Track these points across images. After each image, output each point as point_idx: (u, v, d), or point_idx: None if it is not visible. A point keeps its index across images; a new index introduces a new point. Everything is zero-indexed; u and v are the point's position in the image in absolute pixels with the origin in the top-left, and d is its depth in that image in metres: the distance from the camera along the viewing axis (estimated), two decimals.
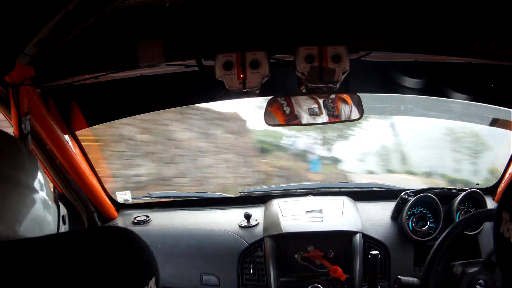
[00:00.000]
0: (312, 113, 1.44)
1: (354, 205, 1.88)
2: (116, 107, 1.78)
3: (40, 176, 0.55)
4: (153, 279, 0.45)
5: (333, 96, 1.45)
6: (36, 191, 0.52)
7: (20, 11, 0.98)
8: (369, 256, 1.51)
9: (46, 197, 0.54)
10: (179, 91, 1.77)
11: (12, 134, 1.12)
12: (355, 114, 1.46)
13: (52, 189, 1.74)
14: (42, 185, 0.54)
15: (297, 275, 1.67)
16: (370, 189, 2.17)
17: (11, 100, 1.27)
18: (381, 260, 1.65)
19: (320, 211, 1.80)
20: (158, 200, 2.11)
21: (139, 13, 1.22)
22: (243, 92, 1.35)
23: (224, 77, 1.29)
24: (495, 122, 2.02)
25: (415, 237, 1.72)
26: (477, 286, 1.36)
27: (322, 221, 1.75)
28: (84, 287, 0.39)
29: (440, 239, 1.37)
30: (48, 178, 0.60)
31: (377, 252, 1.52)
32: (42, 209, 0.53)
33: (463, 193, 1.77)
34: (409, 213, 1.76)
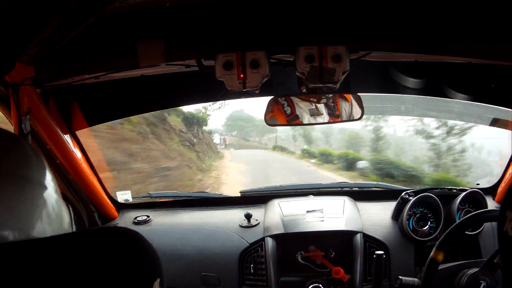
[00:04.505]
0: (313, 113, 1.44)
1: (354, 205, 1.88)
2: (116, 107, 1.78)
3: (48, 173, 0.51)
4: (158, 281, 0.45)
5: (333, 96, 1.45)
6: (48, 188, 0.50)
7: (20, 11, 0.98)
8: (374, 256, 1.51)
9: (57, 195, 0.51)
10: (179, 91, 1.77)
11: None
12: (355, 114, 1.46)
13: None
14: (51, 183, 0.51)
15: (298, 274, 1.67)
16: (370, 189, 2.17)
17: (11, 100, 1.27)
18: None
19: (321, 211, 1.80)
20: (158, 200, 2.11)
21: (139, 13, 1.22)
22: (243, 92, 1.35)
23: (224, 77, 1.29)
24: (495, 122, 2.02)
25: (415, 237, 1.72)
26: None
27: (323, 221, 1.75)
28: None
29: (441, 238, 1.37)
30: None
31: (382, 252, 1.52)
32: (57, 208, 0.50)
33: (464, 193, 1.77)
34: (409, 213, 1.76)
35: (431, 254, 1.33)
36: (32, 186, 0.48)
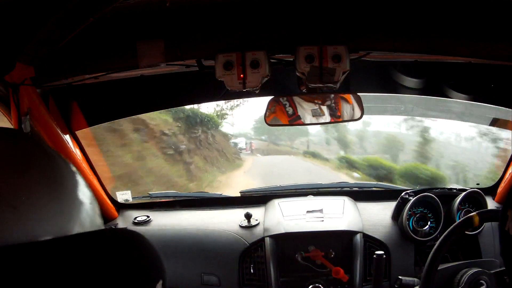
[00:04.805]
0: (315, 113, 1.44)
1: (354, 205, 1.88)
2: (116, 107, 1.78)
3: (76, 172, 0.49)
4: (160, 282, 0.45)
5: (335, 97, 1.45)
6: (82, 187, 0.48)
7: (20, 11, 0.98)
8: (374, 256, 1.51)
9: (89, 192, 0.49)
10: (179, 91, 1.77)
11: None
12: (356, 114, 1.46)
13: None
14: (82, 181, 0.49)
15: (298, 275, 1.67)
16: (370, 189, 2.17)
17: (11, 100, 1.27)
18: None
19: (321, 211, 1.80)
20: (158, 200, 2.11)
21: (139, 13, 1.22)
22: (243, 92, 1.35)
23: (224, 77, 1.29)
24: (495, 122, 2.03)
25: (415, 237, 1.72)
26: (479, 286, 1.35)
27: (323, 221, 1.75)
28: None
29: (440, 239, 1.37)
30: None
31: (382, 252, 1.52)
32: (90, 205, 0.48)
33: (464, 193, 1.77)
34: (409, 213, 1.76)
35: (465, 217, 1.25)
36: (65, 187, 0.46)
